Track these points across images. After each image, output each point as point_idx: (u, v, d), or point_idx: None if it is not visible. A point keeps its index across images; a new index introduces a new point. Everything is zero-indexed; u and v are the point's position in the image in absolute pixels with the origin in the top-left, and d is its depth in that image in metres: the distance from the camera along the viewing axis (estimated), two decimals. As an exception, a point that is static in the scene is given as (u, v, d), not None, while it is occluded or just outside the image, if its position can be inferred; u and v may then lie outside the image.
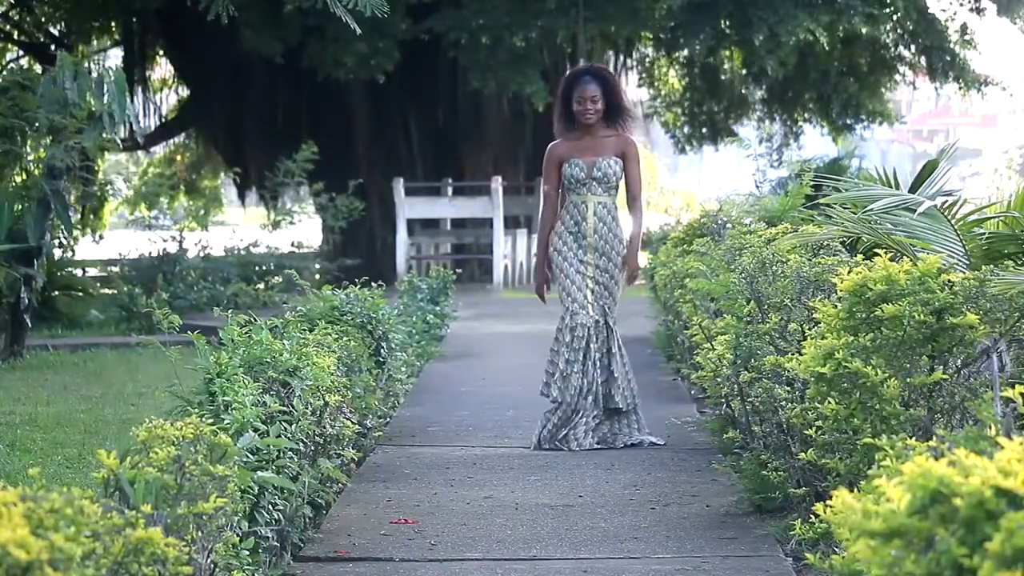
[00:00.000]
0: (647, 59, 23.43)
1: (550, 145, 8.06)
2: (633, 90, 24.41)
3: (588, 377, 7.87)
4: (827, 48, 20.23)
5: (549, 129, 8.51)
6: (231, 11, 9.83)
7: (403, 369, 8.94)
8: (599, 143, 7.94)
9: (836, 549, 4.29)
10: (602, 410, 7.91)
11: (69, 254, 15.84)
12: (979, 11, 20.55)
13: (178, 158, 25.13)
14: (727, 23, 18.83)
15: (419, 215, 19.87)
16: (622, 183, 8.07)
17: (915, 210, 6.13)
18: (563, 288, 7.96)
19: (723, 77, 22.56)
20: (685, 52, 20.82)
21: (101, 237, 18.17)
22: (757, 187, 19.39)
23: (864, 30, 18.74)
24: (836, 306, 4.80)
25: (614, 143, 7.96)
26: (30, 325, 12.32)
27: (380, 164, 20.88)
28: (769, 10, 17.93)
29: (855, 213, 6.22)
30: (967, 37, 20.39)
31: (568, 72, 8.32)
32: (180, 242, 17.20)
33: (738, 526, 5.90)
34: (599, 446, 7.82)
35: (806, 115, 22.44)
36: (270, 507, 4.87)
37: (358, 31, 10.32)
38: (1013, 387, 3.16)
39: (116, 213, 23.64)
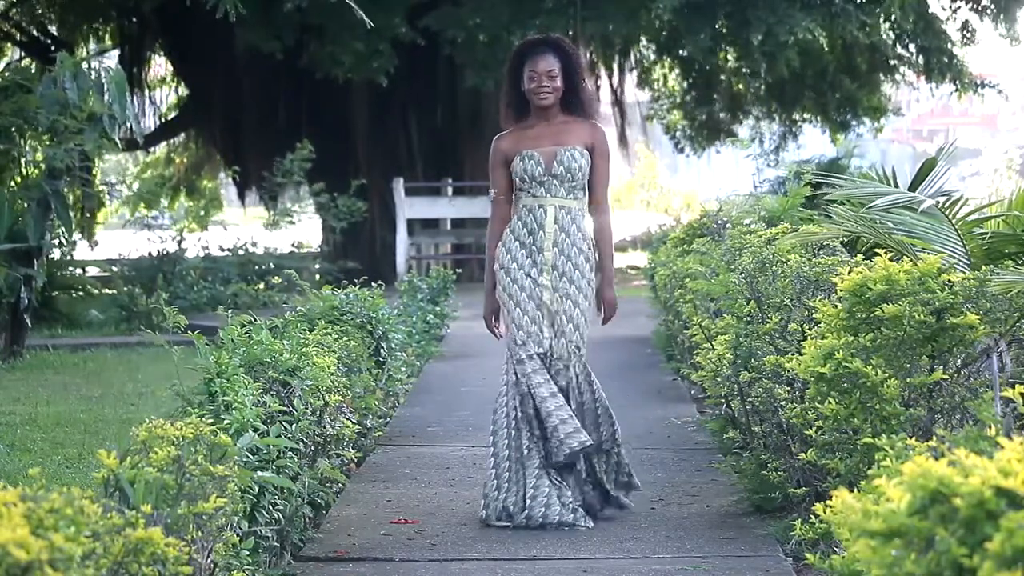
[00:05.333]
0: (645, 60, 23.43)
1: (495, 138, 6.36)
2: (631, 91, 24.41)
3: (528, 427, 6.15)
4: (827, 48, 20.23)
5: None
6: (239, 8, 9.84)
7: (403, 369, 8.94)
8: (558, 130, 6.19)
9: (836, 549, 4.29)
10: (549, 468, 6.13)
11: (69, 254, 15.83)
12: (980, 11, 20.55)
13: (177, 160, 25.12)
14: (725, 23, 18.83)
15: (419, 215, 19.86)
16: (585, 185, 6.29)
17: (915, 209, 6.14)
18: (509, 316, 6.18)
19: (722, 77, 22.56)
20: (684, 52, 20.81)
21: (96, 243, 18.16)
22: (755, 187, 19.39)
23: (858, 34, 18.74)
24: (836, 306, 4.80)
25: (579, 131, 6.20)
26: (30, 325, 12.32)
27: (380, 164, 20.88)
28: (767, 10, 17.94)
29: (855, 212, 6.22)
30: (967, 35, 20.39)
31: (517, 44, 6.42)
32: (180, 242, 17.20)
33: (738, 526, 5.90)
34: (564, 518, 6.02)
35: (805, 114, 22.45)
36: (270, 507, 4.87)
37: (370, 24, 10.29)
38: (1013, 387, 3.17)
39: (117, 214, 23.64)
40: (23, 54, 22.37)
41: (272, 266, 17.42)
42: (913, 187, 6.99)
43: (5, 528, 2.59)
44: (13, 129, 11.60)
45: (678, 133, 23.48)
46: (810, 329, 5.47)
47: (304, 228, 20.06)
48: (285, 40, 18.23)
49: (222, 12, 9.82)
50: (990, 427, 3.26)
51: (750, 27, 18.06)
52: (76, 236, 16.75)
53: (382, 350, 7.87)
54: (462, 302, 14.33)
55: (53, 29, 22.95)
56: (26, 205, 11.75)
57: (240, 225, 21.81)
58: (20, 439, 8.04)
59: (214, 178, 25.17)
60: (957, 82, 20.14)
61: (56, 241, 12.65)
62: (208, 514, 3.63)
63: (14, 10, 21.72)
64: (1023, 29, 20.83)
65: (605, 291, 6.27)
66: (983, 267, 4.95)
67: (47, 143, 11.76)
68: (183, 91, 24.29)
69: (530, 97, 6.18)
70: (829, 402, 4.59)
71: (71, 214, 12.73)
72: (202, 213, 19.05)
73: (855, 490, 3.28)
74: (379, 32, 16.73)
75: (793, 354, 5.35)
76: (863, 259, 5.40)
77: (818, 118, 22.20)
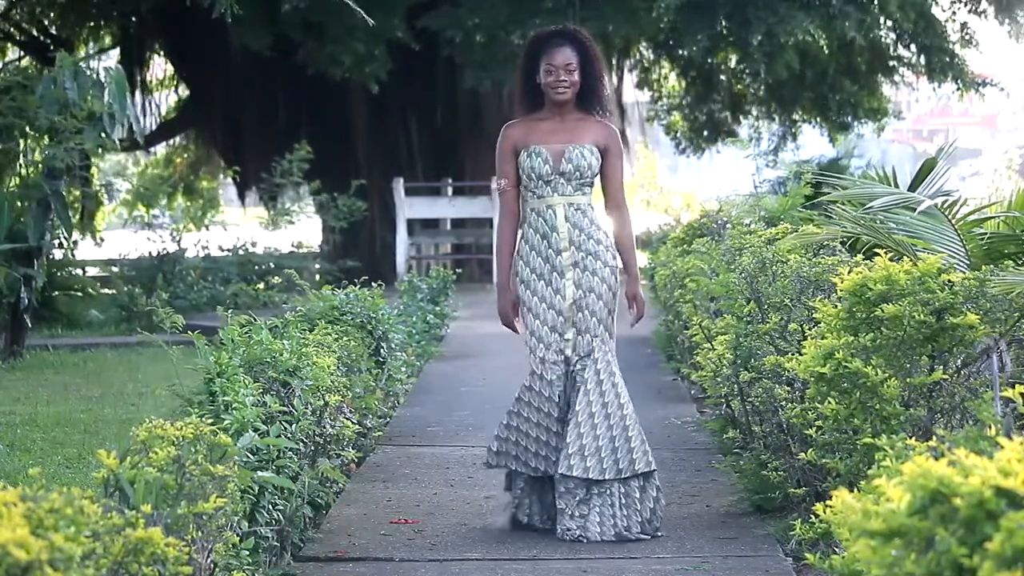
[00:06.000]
0: (645, 61, 23.43)
1: (505, 126, 6.07)
2: (631, 91, 24.39)
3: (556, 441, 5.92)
4: (826, 51, 20.22)
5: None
6: (235, 9, 9.84)
7: (403, 369, 8.94)
8: (572, 127, 5.95)
9: (836, 549, 4.29)
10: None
11: (69, 254, 15.82)
12: (979, 13, 20.54)
13: (177, 160, 25.12)
14: (725, 24, 18.81)
15: (419, 215, 19.87)
16: (597, 183, 6.07)
17: (915, 209, 6.14)
18: (529, 329, 5.93)
19: (722, 78, 22.55)
20: (683, 53, 20.79)
21: (102, 240, 18.19)
22: (755, 187, 19.38)
23: (856, 35, 18.71)
24: (836, 306, 4.80)
25: (593, 129, 5.96)
26: (30, 325, 12.32)
27: (380, 164, 20.88)
28: (768, 10, 17.93)
29: (855, 212, 6.22)
30: (966, 36, 20.39)
31: (533, 34, 6.16)
32: (179, 242, 17.20)
33: (738, 526, 5.90)
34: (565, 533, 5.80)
35: (804, 115, 22.44)
36: (270, 507, 4.87)
37: (371, 22, 10.28)
38: (1013, 387, 3.17)
39: (115, 214, 23.66)
40: (23, 54, 22.37)
41: (272, 266, 17.43)
42: (913, 187, 7.00)
43: (5, 528, 2.59)
44: (13, 129, 11.60)
45: (679, 134, 23.46)
46: (810, 329, 5.47)
47: (304, 228, 20.06)
48: (283, 37, 18.22)
49: (218, 12, 9.82)
50: (990, 427, 3.26)
51: (750, 27, 18.04)
52: (76, 236, 16.76)
53: (382, 350, 7.87)
54: (462, 302, 14.34)
55: (53, 29, 22.95)
56: (26, 205, 11.75)
57: (240, 225, 21.81)
58: (20, 439, 8.04)
59: (213, 178, 25.19)
60: (959, 81, 20.13)
61: (56, 241, 12.65)
62: (208, 514, 3.63)
63: (14, 10, 21.72)
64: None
65: (634, 289, 5.99)
66: (983, 267, 4.95)
67: (47, 143, 11.76)
68: (183, 91, 24.28)
69: (546, 91, 5.91)
70: (829, 402, 4.60)
71: (71, 214, 12.73)
72: (199, 213, 19.05)
73: (855, 490, 3.28)
74: (377, 34, 16.72)
75: (793, 354, 5.35)
76: (863, 259, 5.40)
77: (817, 119, 22.20)
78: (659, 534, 5.80)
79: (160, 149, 25.50)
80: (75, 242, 15.12)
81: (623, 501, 5.80)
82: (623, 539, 5.74)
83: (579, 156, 5.89)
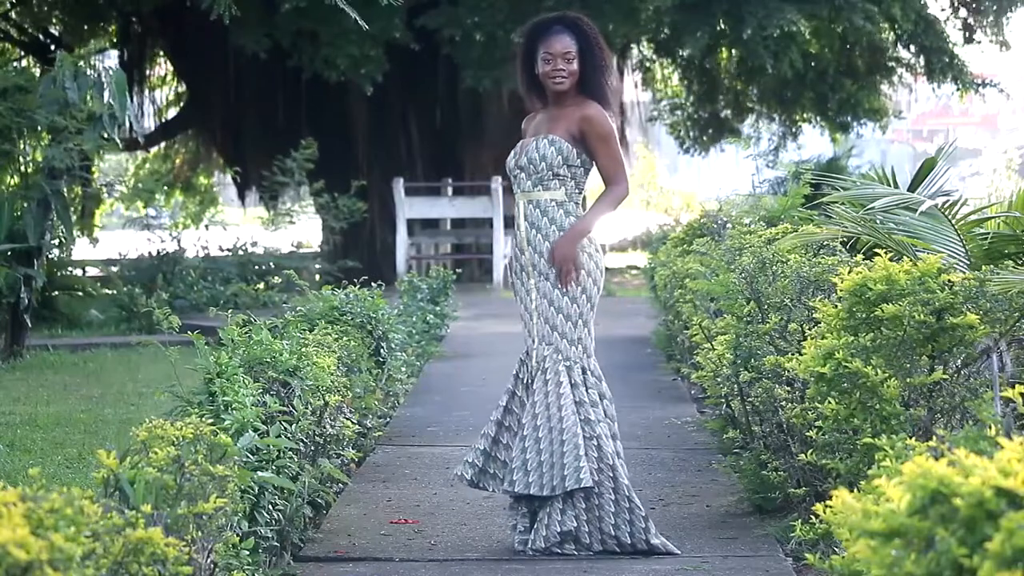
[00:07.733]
0: (646, 61, 23.43)
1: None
2: (631, 91, 24.41)
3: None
4: (827, 50, 20.20)
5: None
6: (233, 10, 9.84)
7: (403, 369, 8.93)
8: (558, 117, 5.60)
9: (836, 549, 4.29)
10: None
11: (65, 253, 15.83)
12: (978, 14, 20.55)
13: (178, 160, 25.11)
14: (723, 22, 18.83)
15: (419, 215, 19.87)
16: (579, 174, 5.61)
17: (915, 209, 6.14)
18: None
19: (722, 76, 22.54)
20: (683, 53, 20.79)
21: (96, 240, 18.21)
22: (754, 187, 19.39)
23: (864, 26, 18.70)
24: (836, 306, 4.80)
25: (566, 116, 5.57)
26: (30, 325, 12.32)
27: (380, 164, 20.89)
28: (759, 5, 17.94)
29: (855, 212, 6.22)
30: (965, 38, 20.42)
31: (531, 22, 5.80)
32: (179, 241, 17.20)
33: (738, 526, 5.90)
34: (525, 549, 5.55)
35: (804, 115, 22.44)
36: (270, 507, 4.87)
37: (365, 27, 10.29)
38: (1013, 387, 3.17)
39: (112, 210, 23.63)
40: (23, 54, 22.38)
41: (272, 266, 17.42)
42: (913, 187, 7.00)
43: (5, 528, 2.59)
44: (12, 130, 11.59)
45: (682, 133, 23.47)
46: (810, 329, 5.47)
47: (304, 228, 20.05)
48: (282, 43, 18.21)
49: (216, 14, 9.81)
50: (990, 427, 3.27)
51: (744, 24, 18.06)
52: (76, 235, 16.76)
53: (382, 350, 7.86)
54: (462, 302, 14.33)
55: (53, 29, 22.96)
56: (26, 205, 11.75)
57: (240, 225, 21.81)
58: (20, 439, 8.04)
59: (210, 175, 25.18)
60: (958, 82, 20.15)
61: (56, 241, 12.66)
62: (208, 514, 3.63)
63: (14, 10, 21.73)
64: (1012, 34, 20.83)
65: (560, 243, 5.50)
66: (983, 267, 4.95)
67: (47, 143, 11.77)
68: (183, 91, 24.29)
69: (544, 81, 5.59)
70: (829, 402, 4.60)
71: (71, 214, 12.73)
72: (197, 211, 19.04)
73: (855, 490, 3.28)
74: (375, 36, 16.70)
75: (793, 354, 5.35)
76: (863, 259, 5.40)
77: (818, 119, 22.20)
78: (616, 550, 5.51)
79: (159, 148, 25.49)
80: (73, 240, 15.13)
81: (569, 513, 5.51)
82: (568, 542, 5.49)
83: (533, 148, 5.56)
